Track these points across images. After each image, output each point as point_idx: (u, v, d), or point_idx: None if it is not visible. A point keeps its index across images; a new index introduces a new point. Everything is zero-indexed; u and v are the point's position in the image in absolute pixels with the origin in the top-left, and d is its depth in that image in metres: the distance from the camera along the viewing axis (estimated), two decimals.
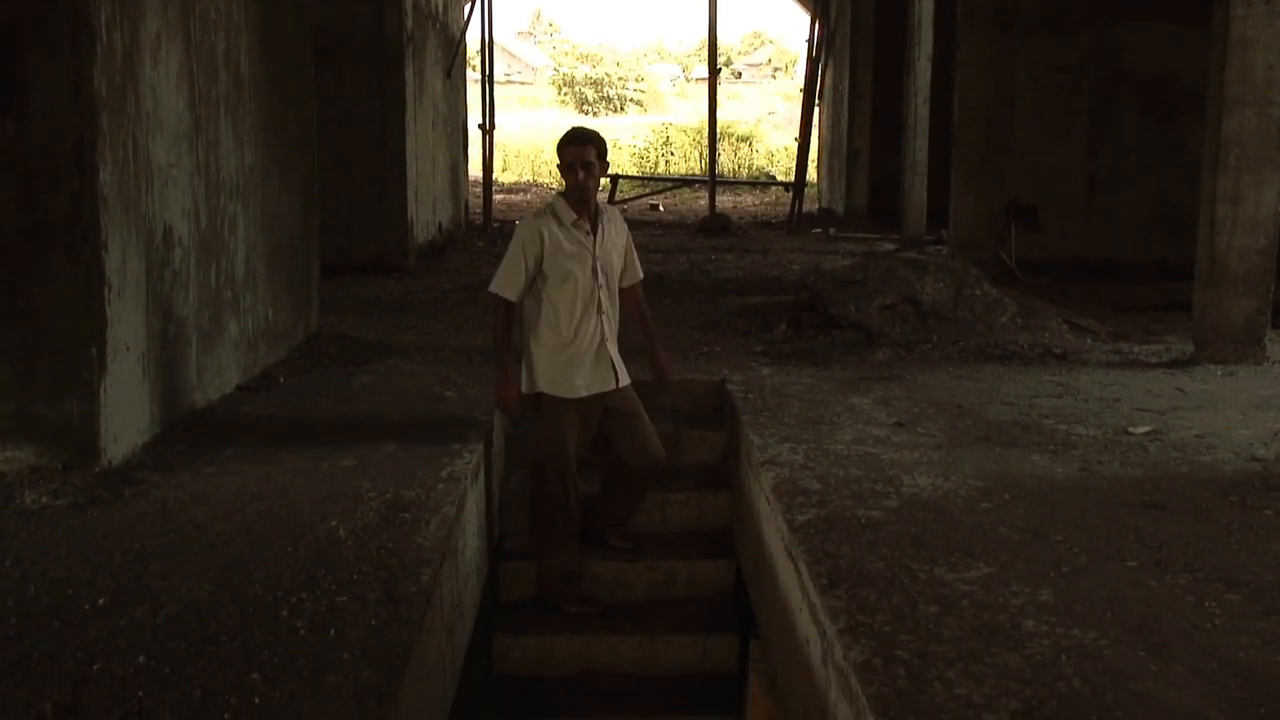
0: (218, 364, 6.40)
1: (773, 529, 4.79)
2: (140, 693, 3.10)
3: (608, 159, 5.64)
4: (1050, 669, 3.26)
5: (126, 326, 5.19)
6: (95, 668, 3.24)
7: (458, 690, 4.57)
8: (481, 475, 5.48)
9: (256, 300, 7.08)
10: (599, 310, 5.50)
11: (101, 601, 3.68)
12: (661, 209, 22.18)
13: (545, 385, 5.49)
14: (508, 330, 5.53)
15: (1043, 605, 3.70)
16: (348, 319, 9.24)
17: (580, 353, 5.47)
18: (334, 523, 4.44)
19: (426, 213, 13.94)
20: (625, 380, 5.62)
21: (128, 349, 5.21)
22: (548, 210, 5.51)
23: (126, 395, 5.21)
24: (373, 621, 3.54)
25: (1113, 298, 10.93)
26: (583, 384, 5.49)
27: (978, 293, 9.17)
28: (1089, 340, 8.72)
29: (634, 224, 18.75)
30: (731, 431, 6.36)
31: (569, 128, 5.63)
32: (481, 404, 6.38)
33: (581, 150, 5.40)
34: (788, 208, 19.48)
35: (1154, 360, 8.00)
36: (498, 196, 21.57)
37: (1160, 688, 3.16)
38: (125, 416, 5.20)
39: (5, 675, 3.19)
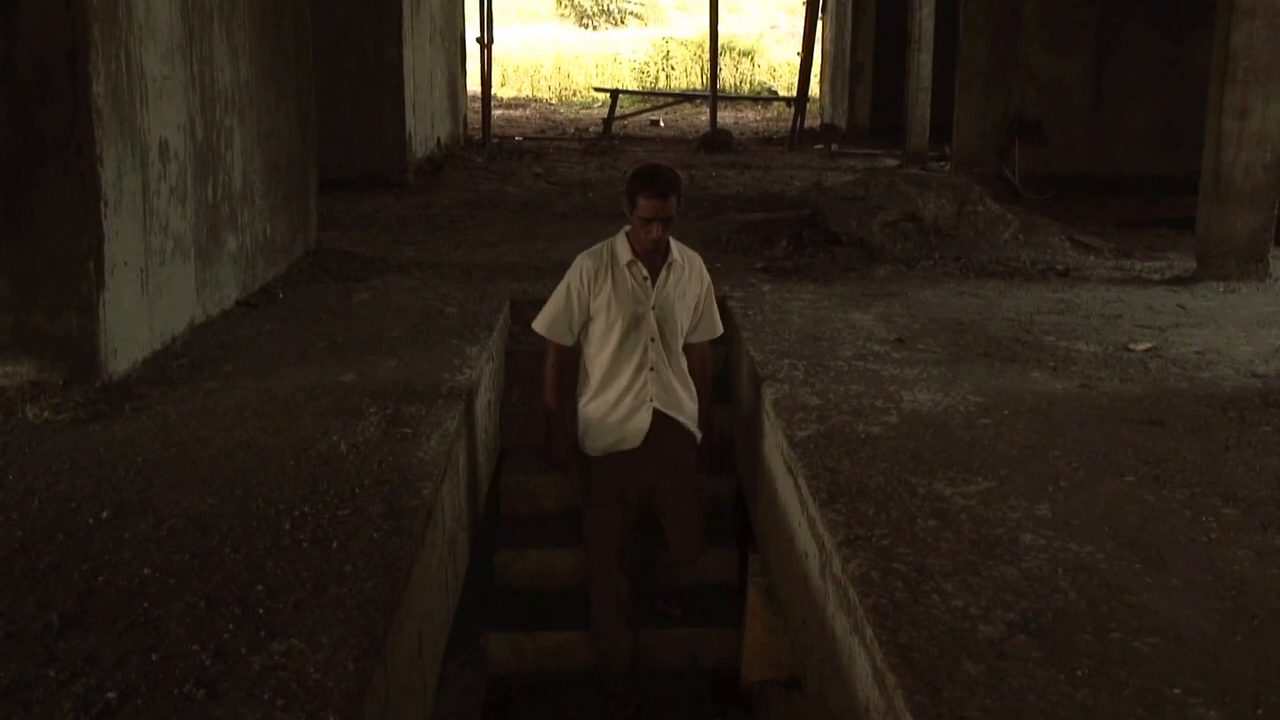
0: (217, 280, 6.37)
1: (772, 444, 4.81)
2: (145, 603, 3.12)
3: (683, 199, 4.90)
4: (1047, 582, 3.29)
5: (124, 241, 5.16)
6: (100, 579, 3.26)
7: (460, 603, 4.61)
8: (482, 390, 5.48)
9: (254, 215, 7.04)
10: (648, 367, 4.90)
11: (105, 515, 3.70)
12: (662, 125, 21.98)
13: (582, 440, 5.07)
14: (558, 377, 5.05)
15: (1040, 519, 3.72)
16: (347, 235, 9.20)
17: (617, 413, 4.93)
18: (335, 437, 4.45)
19: (425, 128, 13.81)
20: (666, 425, 4.98)
21: (126, 264, 5.18)
22: (606, 246, 4.92)
23: (126, 310, 5.20)
24: (374, 535, 3.57)
25: (1116, 214, 10.87)
26: (612, 445, 4.99)
27: (980, 209, 9.12)
28: (1091, 257, 8.70)
29: (634, 140, 18.85)
30: (732, 347, 6.36)
31: (645, 166, 4.80)
32: (482, 319, 6.37)
33: (665, 205, 4.67)
34: (789, 124, 19.30)
35: (1156, 277, 7.98)
36: (496, 112, 21.37)
37: (1155, 600, 3.19)
38: (125, 331, 5.19)
39: (12, 587, 3.22)
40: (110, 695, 2.67)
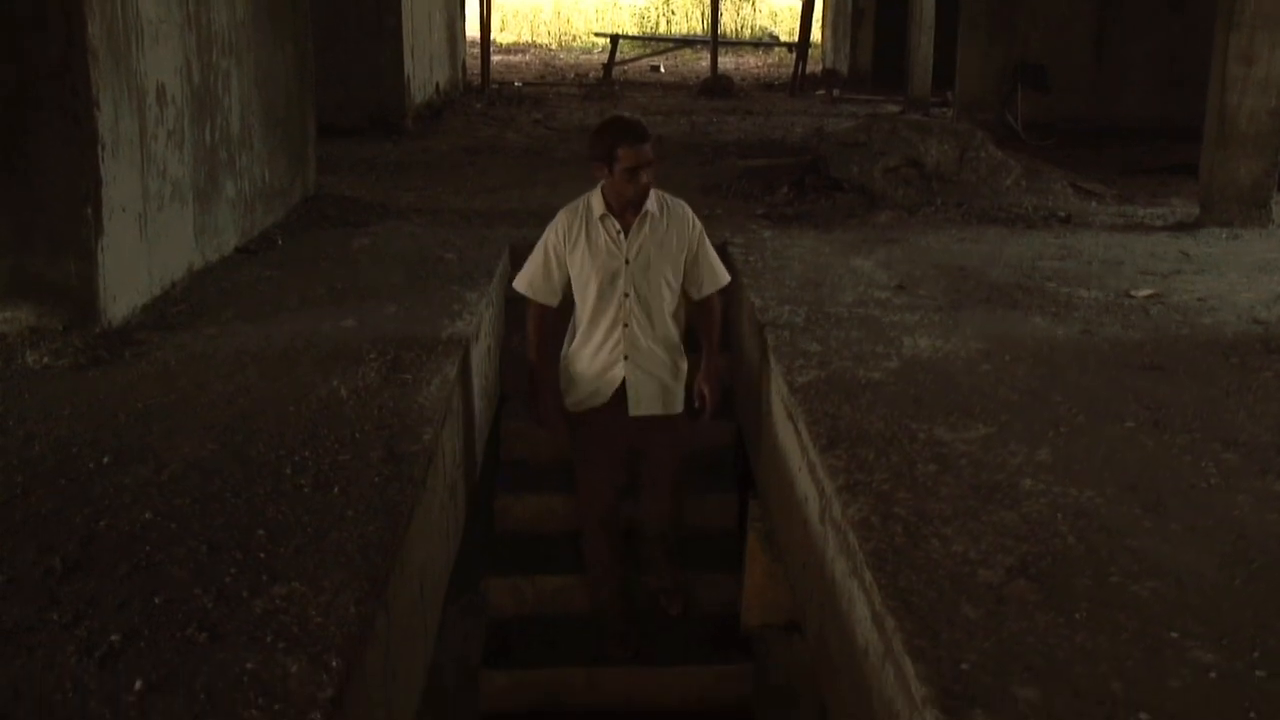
0: (215, 225, 6.34)
1: (773, 390, 4.80)
2: (147, 548, 3.13)
3: None
4: (1046, 526, 3.30)
5: (122, 186, 5.13)
6: (102, 524, 3.27)
7: (460, 548, 4.63)
8: (482, 335, 5.47)
9: (252, 160, 7.00)
10: (622, 323, 4.76)
11: (106, 460, 3.71)
12: (662, 70, 21.82)
13: (565, 394, 4.99)
14: (539, 334, 4.90)
15: (1040, 464, 3.73)
16: (345, 180, 9.15)
17: (589, 366, 4.84)
18: (335, 383, 4.45)
19: (423, 72, 13.69)
20: (643, 410, 4.87)
21: (124, 209, 5.16)
22: (583, 201, 4.79)
23: (124, 255, 5.17)
24: (375, 479, 3.57)
25: (1120, 160, 10.82)
26: (584, 399, 4.91)
27: (982, 155, 9.08)
28: (1094, 203, 8.66)
29: (634, 86, 18.73)
30: (732, 293, 6.33)
31: (609, 121, 4.72)
32: (481, 265, 6.35)
33: (646, 151, 4.56)
34: (791, 69, 19.16)
35: (1158, 223, 7.95)
36: (495, 57, 21.19)
37: (1155, 544, 3.20)
38: (124, 277, 5.18)
39: (14, 532, 3.23)
40: (113, 638, 2.68)
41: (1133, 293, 5.92)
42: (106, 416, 4.11)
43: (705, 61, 21.08)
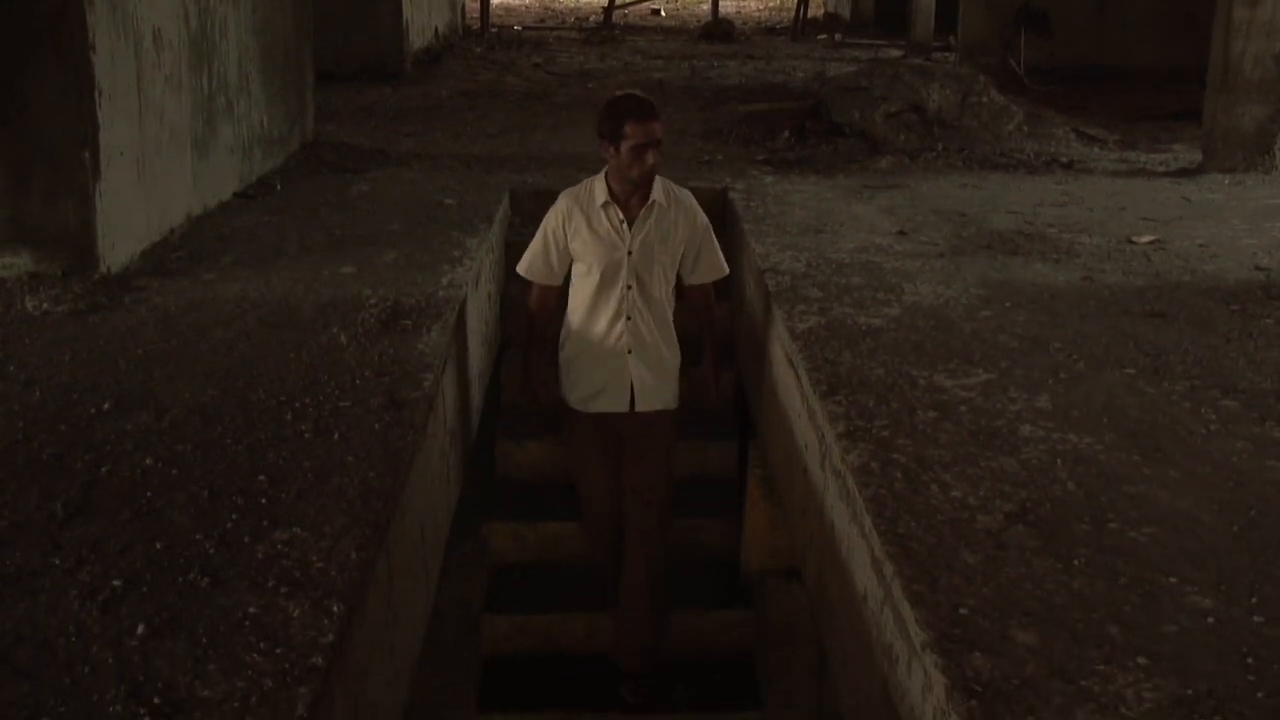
0: (213, 171, 6.31)
1: (773, 337, 4.80)
2: (149, 493, 3.14)
3: None
4: (1045, 473, 3.30)
5: (119, 131, 5.10)
6: (103, 470, 3.28)
7: (461, 493, 4.64)
8: (482, 282, 5.46)
9: (250, 106, 6.95)
10: (624, 315, 4.62)
11: (107, 406, 3.71)
12: (663, 13, 21.64)
13: (564, 390, 4.84)
14: (537, 313, 4.81)
15: (1040, 411, 3.73)
16: (344, 126, 9.10)
17: (592, 361, 4.69)
18: (335, 329, 4.44)
19: (422, 16, 13.57)
20: (647, 406, 4.74)
21: (122, 154, 5.13)
22: (585, 186, 4.64)
23: (123, 201, 5.15)
24: (376, 426, 3.57)
25: (1122, 106, 10.74)
26: (589, 398, 4.75)
27: (985, 100, 9.03)
28: (1096, 149, 8.63)
29: (633, 29, 18.55)
30: (733, 240, 6.32)
31: (616, 97, 4.52)
32: (481, 211, 6.32)
33: (654, 127, 4.38)
34: (792, 13, 18.98)
35: (1161, 169, 7.92)
36: (495, 0, 21.00)
37: (1153, 490, 3.20)
38: (122, 222, 5.16)
39: (16, 476, 3.23)
40: (115, 583, 2.70)
41: (1134, 239, 5.90)
42: (107, 362, 4.10)
43: (706, 5, 20.91)
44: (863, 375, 4.01)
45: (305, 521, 2.99)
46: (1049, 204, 6.75)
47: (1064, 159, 8.07)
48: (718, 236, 4.83)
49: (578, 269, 4.66)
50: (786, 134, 8.70)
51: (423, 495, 3.67)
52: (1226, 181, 7.43)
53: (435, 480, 3.96)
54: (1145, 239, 5.90)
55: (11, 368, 4.05)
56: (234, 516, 3.02)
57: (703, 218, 4.71)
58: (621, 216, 4.54)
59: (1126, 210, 6.61)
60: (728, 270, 4.90)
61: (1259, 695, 2.33)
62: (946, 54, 14.04)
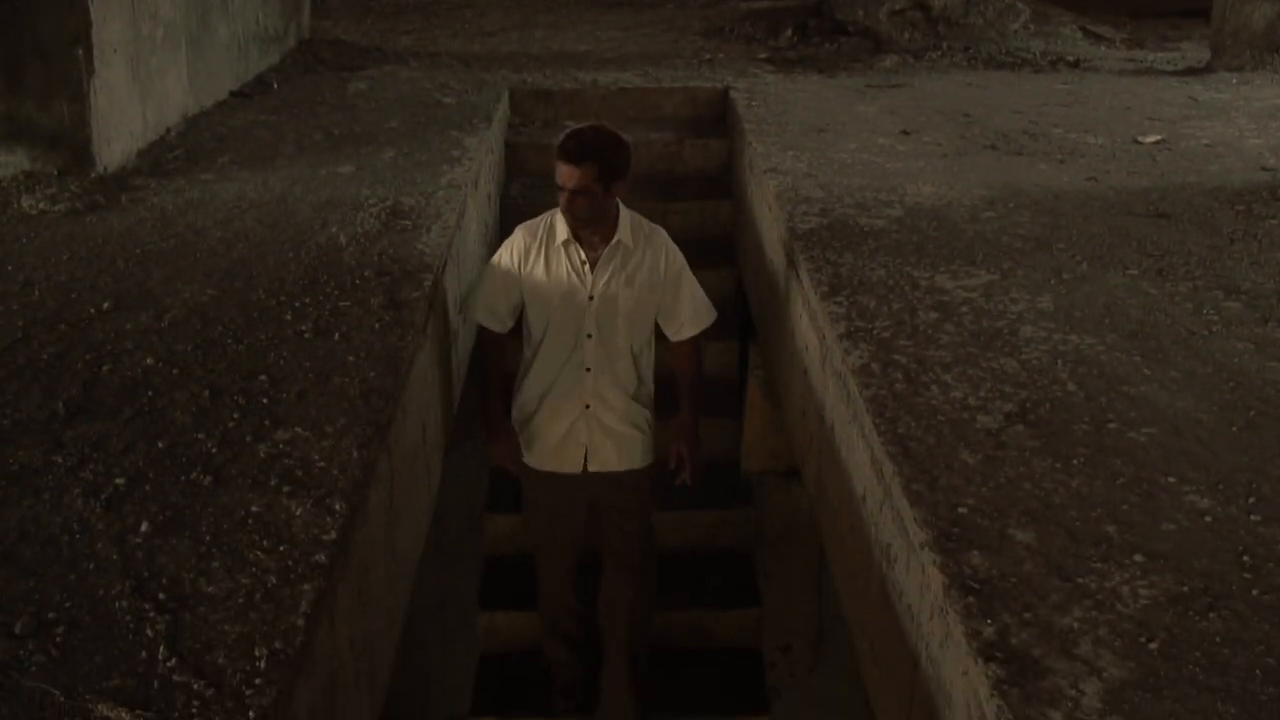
0: (209, 69, 6.22)
1: (774, 237, 4.77)
2: (150, 393, 3.15)
3: (626, 173, 3.95)
4: (1046, 373, 3.30)
5: (112, 28, 5.02)
6: (104, 369, 3.28)
7: (463, 394, 4.65)
8: (481, 183, 5.42)
9: (246, 2, 6.83)
10: (584, 367, 4.11)
11: (106, 305, 3.70)
12: None
13: (524, 449, 4.33)
14: (491, 366, 4.33)
15: (1042, 312, 3.72)
16: (341, 23, 8.97)
17: (548, 415, 4.18)
18: (334, 229, 4.41)
19: None
20: (601, 466, 4.25)
21: (115, 51, 5.05)
22: (545, 220, 4.10)
23: (117, 99, 5.09)
24: (376, 326, 3.57)
25: (1130, 3, 10.56)
26: (541, 454, 4.27)
27: None
28: (1103, 47, 8.51)
29: None
30: (734, 140, 6.26)
31: (579, 128, 3.96)
32: (480, 110, 6.25)
33: (574, 172, 3.82)
34: None
35: (1168, 68, 7.81)
36: None
37: (1153, 391, 3.21)
38: (118, 121, 5.10)
39: (16, 376, 3.23)
40: (118, 481, 2.71)
41: (1139, 139, 5.84)
42: (105, 262, 4.09)
43: None
44: (864, 276, 3.99)
45: (306, 421, 3.00)
46: (1054, 103, 6.67)
47: (1070, 58, 7.96)
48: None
49: (529, 313, 4.15)
50: (789, 32, 8.58)
51: (423, 395, 3.68)
52: (1234, 80, 7.33)
53: (436, 380, 3.96)
54: (1150, 139, 5.84)
55: (9, 267, 4.03)
56: (235, 416, 3.03)
57: (678, 259, 4.15)
58: (584, 257, 4.03)
59: (1132, 110, 6.54)
60: (715, 316, 4.30)
61: (1254, 592, 2.35)
62: None
